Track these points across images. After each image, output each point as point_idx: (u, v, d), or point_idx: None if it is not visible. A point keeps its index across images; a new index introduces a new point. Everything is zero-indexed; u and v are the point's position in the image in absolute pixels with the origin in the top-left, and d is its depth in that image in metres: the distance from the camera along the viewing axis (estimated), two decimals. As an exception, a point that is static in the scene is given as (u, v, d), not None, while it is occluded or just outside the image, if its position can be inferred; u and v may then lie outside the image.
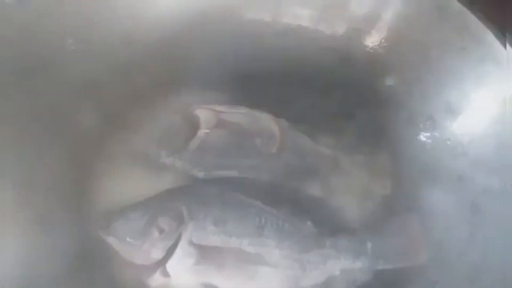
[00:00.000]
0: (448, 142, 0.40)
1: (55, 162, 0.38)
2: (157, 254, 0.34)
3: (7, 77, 0.36)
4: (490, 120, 0.38)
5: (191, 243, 0.34)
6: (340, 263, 0.36)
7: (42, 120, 0.38)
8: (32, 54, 0.37)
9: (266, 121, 0.42)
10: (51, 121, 0.38)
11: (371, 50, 0.44)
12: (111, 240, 0.35)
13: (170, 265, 0.34)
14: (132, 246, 0.34)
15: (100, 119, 0.41)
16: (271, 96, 0.43)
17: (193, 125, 0.41)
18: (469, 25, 0.38)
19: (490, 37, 0.37)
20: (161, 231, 0.35)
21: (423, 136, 0.42)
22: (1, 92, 0.36)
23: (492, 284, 0.33)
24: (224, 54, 0.43)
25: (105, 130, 0.41)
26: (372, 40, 0.43)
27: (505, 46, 0.36)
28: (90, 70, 0.40)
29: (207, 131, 0.41)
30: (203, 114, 0.41)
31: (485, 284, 0.33)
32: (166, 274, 0.34)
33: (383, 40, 0.43)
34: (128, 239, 0.34)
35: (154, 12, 0.41)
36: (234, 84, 0.43)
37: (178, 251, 0.34)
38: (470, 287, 0.34)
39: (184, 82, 0.44)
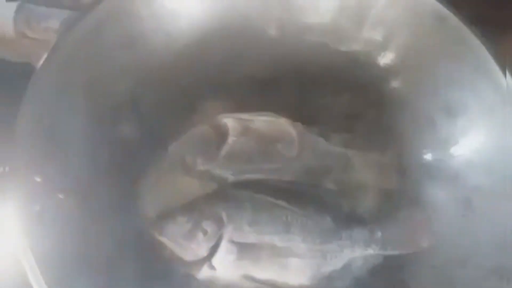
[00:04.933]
0: (446, 142, 0.45)
1: (111, 169, 0.43)
2: (202, 252, 0.41)
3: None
4: (485, 123, 0.42)
5: (231, 241, 0.41)
6: (355, 251, 0.43)
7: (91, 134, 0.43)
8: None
9: (285, 126, 0.47)
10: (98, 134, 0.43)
11: (378, 56, 0.47)
12: (164, 240, 0.42)
13: (215, 260, 0.41)
14: (181, 246, 0.41)
15: (139, 131, 0.46)
16: (285, 100, 0.47)
17: (223, 133, 0.46)
18: (464, 36, 0.42)
19: (481, 48, 0.41)
20: (205, 232, 0.41)
21: (424, 135, 0.46)
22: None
23: (481, 270, 0.39)
24: (238, 61, 0.47)
25: (144, 140, 0.46)
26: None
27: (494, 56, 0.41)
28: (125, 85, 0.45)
29: (235, 138, 0.46)
30: (231, 123, 0.46)
31: (475, 269, 0.39)
32: (212, 267, 0.41)
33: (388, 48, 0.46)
34: (178, 240, 0.41)
35: (178, 24, 0.44)
36: (251, 91, 0.47)
37: (221, 248, 0.41)
38: (462, 271, 0.40)
39: (205, 91, 0.48)
